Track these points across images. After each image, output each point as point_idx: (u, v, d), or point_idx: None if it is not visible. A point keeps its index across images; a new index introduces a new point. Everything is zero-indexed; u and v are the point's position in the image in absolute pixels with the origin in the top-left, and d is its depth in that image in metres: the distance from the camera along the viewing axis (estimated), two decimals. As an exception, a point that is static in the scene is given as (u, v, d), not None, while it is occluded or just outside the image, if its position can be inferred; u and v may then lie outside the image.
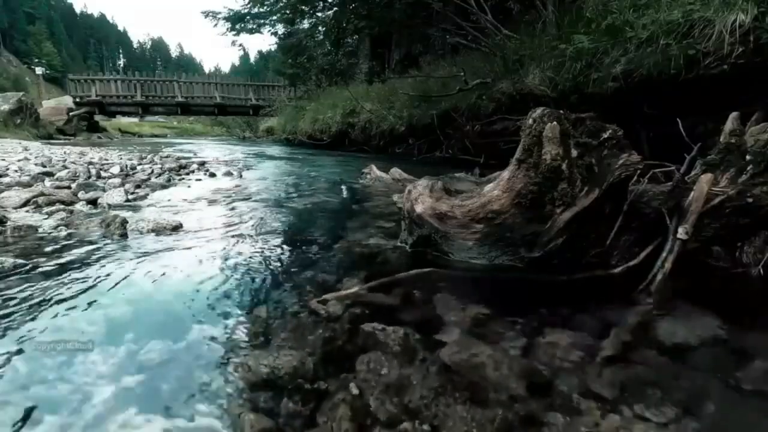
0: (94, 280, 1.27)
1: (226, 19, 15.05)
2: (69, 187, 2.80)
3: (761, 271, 1.34)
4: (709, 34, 2.77)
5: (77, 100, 17.16)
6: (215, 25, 15.26)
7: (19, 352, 0.87)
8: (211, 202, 2.74)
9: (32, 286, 1.21)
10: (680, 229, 1.29)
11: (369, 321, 1.02)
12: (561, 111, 1.32)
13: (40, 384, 0.78)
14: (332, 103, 10.19)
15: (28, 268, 1.35)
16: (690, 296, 1.24)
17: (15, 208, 2.21)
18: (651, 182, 1.56)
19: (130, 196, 2.74)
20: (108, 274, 1.32)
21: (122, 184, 3.08)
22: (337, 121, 9.51)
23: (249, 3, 14.24)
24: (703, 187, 1.32)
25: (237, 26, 15.26)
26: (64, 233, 1.78)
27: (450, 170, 3.87)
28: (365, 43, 13.37)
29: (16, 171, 3.45)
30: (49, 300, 1.12)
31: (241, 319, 1.07)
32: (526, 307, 1.18)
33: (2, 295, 1.14)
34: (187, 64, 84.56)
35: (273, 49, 22.49)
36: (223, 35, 16.78)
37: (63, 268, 1.36)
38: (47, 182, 3.01)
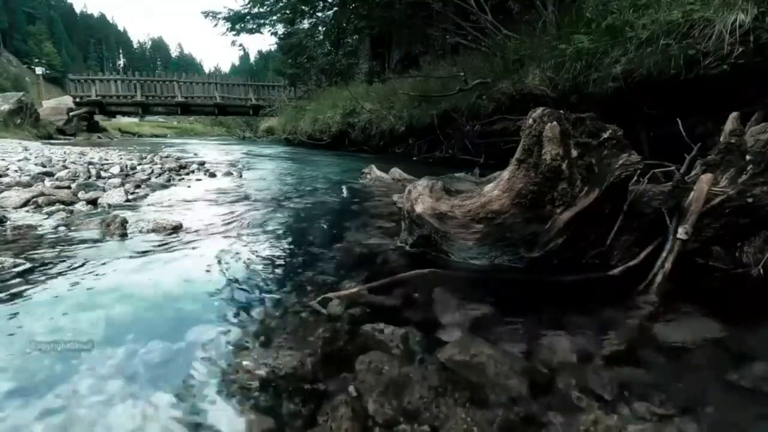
0: (94, 280, 1.27)
1: (226, 19, 15.10)
2: (69, 187, 2.80)
3: (761, 271, 1.34)
4: (709, 34, 2.77)
5: (77, 100, 17.19)
6: (215, 25, 15.33)
7: (19, 352, 0.87)
8: (211, 202, 2.74)
9: (32, 286, 1.20)
10: (680, 229, 1.29)
11: (369, 321, 1.02)
12: (561, 111, 1.32)
13: (39, 384, 0.78)
14: (332, 103, 10.18)
15: (27, 267, 1.34)
16: (690, 296, 1.24)
17: (15, 207, 2.22)
18: (651, 182, 1.56)
19: (130, 196, 2.74)
20: (108, 274, 1.32)
21: (122, 184, 3.08)
22: (337, 121, 9.51)
23: (249, 3, 14.28)
24: (703, 187, 1.32)
25: (237, 26, 15.31)
26: (64, 233, 1.78)
27: (450, 170, 3.88)
28: (365, 43, 13.38)
29: (16, 171, 3.45)
30: (49, 300, 1.12)
31: (242, 318, 1.07)
32: (526, 307, 1.18)
33: (2, 295, 1.14)
34: (187, 64, 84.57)
35: (273, 49, 22.54)
36: (223, 35, 16.89)
37: (63, 268, 1.36)
38: (47, 182, 3.01)
